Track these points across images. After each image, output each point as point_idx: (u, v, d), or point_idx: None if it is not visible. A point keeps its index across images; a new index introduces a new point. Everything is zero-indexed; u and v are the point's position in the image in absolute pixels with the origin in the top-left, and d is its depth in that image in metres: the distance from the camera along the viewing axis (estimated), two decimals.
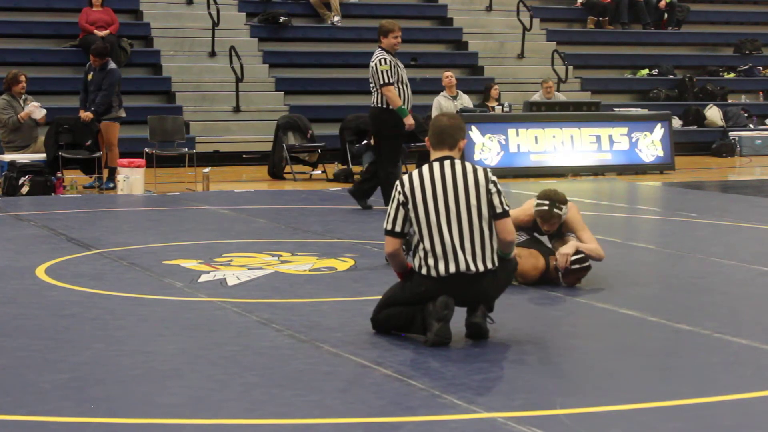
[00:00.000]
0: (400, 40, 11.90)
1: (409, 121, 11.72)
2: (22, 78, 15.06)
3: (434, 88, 19.67)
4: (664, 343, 6.54)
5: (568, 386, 5.60)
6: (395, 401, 5.25)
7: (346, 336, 6.43)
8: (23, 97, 15.01)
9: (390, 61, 11.68)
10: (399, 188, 6.39)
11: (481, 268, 6.29)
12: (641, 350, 6.34)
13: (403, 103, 11.74)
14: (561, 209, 7.90)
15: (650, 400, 5.27)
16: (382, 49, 11.80)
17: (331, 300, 7.53)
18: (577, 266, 7.82)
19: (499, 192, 6.36)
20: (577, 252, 7.85)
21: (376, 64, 11.73)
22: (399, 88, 11.72)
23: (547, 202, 7.89)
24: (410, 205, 6.34)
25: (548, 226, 7.97)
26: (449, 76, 17.71)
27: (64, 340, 6.38)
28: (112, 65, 15.07)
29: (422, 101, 19.95)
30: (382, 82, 11.67)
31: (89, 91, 14.87)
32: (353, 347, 6.17)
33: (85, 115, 14.75)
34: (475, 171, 6.37)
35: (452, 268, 6.27)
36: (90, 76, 14.91)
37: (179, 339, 6.45)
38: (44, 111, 14.95)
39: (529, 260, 7.80)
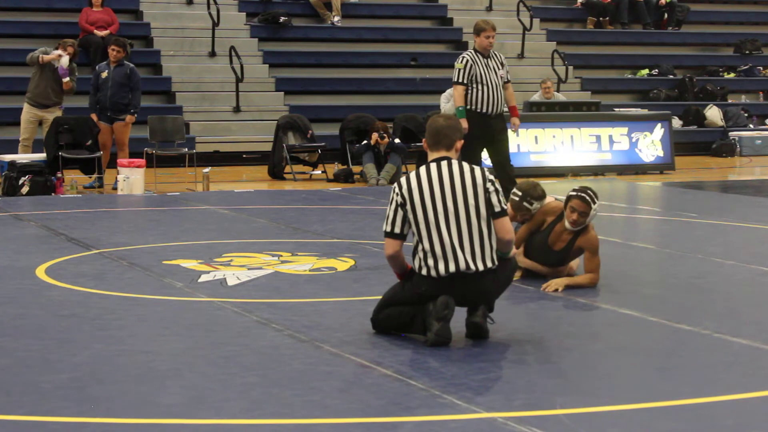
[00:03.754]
0: (492, 39, 11.75)
1: (463, 124, 11.63)
2: (70, 50, 14.98)
3: (434, 88, 19.69)
4: (664, 343, 6.54)
5: (568, 386, 5.60)
6: (395, 401, 5.25)
7: (346, 336, 6.43)
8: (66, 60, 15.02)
9: (467, 61, 11.63)
10: (397, 190, 6.39)
11: (481, 267, 6.30)
12: (641, 350, 6.35)
13: (483, 104, 11.63)
14: (531, 204, 8.10)
15: (650, 400, 5.28)
16: (474, 48, 11.78)
17: (331, 300, 7.53)
18: (575, 195, 7.92)
19: (497, 191, 6.38)
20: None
21: (455, 62, 11.76)
22: (476, 89, 11.60)
23: (520, 194, 8.12)
24: (408, 207, 6.34)
25: (519, 216, 8.17)
26: None
27: (64, 340, 6.38)
28: (128, 63, 15.12)
29: (422, 101, 20.01)
30: (452, 80, 11.69)
31: (107, 88, 14.82)
32: (353, 347, 6.17)
33: (130, 118, 14.80)
34: (472, 170, 6.38)
35: (452, 268, 6.28)
36: (105, 74, 14.90)
37: (179, 339, 6.45)
38: (66, 61, 14.83)
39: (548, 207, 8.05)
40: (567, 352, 6.27)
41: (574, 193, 7.94)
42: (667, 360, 6.14)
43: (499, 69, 11.77)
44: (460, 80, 11.63)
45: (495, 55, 11.83)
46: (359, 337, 6.42)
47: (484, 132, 11.66)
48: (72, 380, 5.55)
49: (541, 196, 8.14)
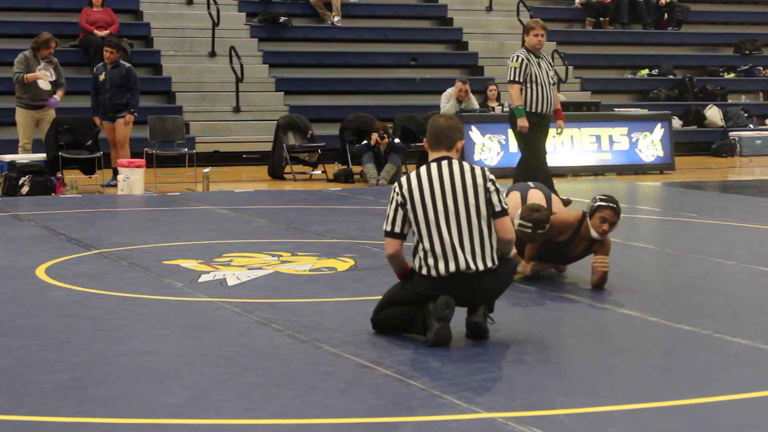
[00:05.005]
0: (541, 38, 11.60)
1: (522, 123, 11.56)
2: (53, 45, 15.02)
3: (434, 88, 19.70)
4: (664, 343, 6.55)
5: (568, 386, 5.60)
6: (395, 401, 5.25)
7: (346, 336, 6.43)
8: (48, 59, 14.96)
9: (522, 60, 11.54)
10: (397, 189, 6.38)
11: (481, 267, 6.30)
12: (641, 350, 6.35)
13: (538, 104, 11.57)
14: (544, 229, 7.89)
15: (650, 400, 5.28)
16: (524, 47, 11.71)
17: (331, 300, 7.53)
18: (603, 203, 7.80)
19: (497, 191, 6.37)
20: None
21: (508, 61, 11.69)
22: (531, 88, 11.53)
23: (530, 225, 7.85)
24: (408, 206, 6.34)
25: (532, 243, 8.01)
26: (464, 89, 17.65)
27: (64, 340, 6.38)
28: (125, 63, 15.13)
29: (422, 101, 20.01)
30: (508, 79, 11.59)
31: (105, 90, 14.83)
32: (353, 347, 6.17)
33: (130, 117, 14.81)
34: (472, 170, 6.38)
35: (452, 268, 6.27)
36: (102, 76, 14.90)
37: (179, 339, 6.45)
38: (49, 84, 14.84)
39: (559, 216, 7.94)
40: (567, 352, 6.27)
41: (605, 204, 7.79)
42: (667, 360, 6.14)
43: (549, 70, 11.72)
44: (517, 79, 11.51)
45: (544, 56, 11.77)
46: (359, 337, 6.42)
47: (542, 131, 11.67)
48: (72, 380, 5.55)
49: (548, 216, 7.94)
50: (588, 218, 7.88)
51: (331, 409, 5.13)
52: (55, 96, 14.81)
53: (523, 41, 11.84)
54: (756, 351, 6.25)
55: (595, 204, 7.86)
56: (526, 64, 11.50)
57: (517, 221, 7.86)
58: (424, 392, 5.35)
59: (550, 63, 11.82)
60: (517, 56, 11.59)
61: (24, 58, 14.93)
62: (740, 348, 6.31)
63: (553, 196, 8.60)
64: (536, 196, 8.35)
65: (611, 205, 7.81)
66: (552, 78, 11.76)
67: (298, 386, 5.45)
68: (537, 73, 11.55)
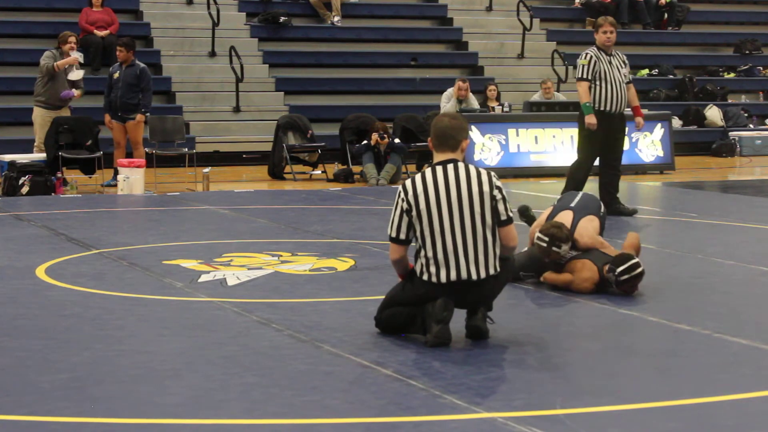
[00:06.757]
0: (610, 35, 11.55)
1: (590, 120, 11.51)
2: (71, 39, 15.07)
3: (434, 88, 19.71)
4: (664, 343, 6.54)
5: (568, 386, 5.59)
6: (395, 401, 5.25)
7: (347, 336, 6.43)
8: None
9: (591, 57, 11.50)
10: (402, 195, 6.31)
11: (483, 275, 6.26)
12: (641, 350, 6.35)
13: (606, 102, 11.51)
14: (560, 247, 7.75)
15: (650, 400, 5.27)
16: (595, 45, 11.67)
17: (331, 300, 7.53)
18: (626, 276, 7.58)
19: (504, 199, 6.30)
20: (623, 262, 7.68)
21: (578, 59, 11.67)
22: (600, 86, 11.49)
23: (546, 239, 7.75)
24: (414, 212, 6.28)
25: (547, 258, 7.87)
26: (464, 88, 17.67)
27: (64, 340, 6.38)
28: (139, 63, 15.17)
29: (422, 101, 20.01)
30: (576, 76, 11.54)
31: (117, 88, 14.90)
32: (353, 347, 6.17)
33: (140, 117, 14.89)
34: (479, 176, 6.30)
35: (453, 276, 6.24)
36: (116, 75, 14.96)
37: (179, 339, 6.45)
38: (81, 73, 14.93)
39: (582, 273, 7.74)
40: (567, 352, 6.27)
41: (630, 276, 7.54)
42: (667, 360, 6.14)
43: (622, 67, 11.68)
44: (584, 76, 11.47)
45: (618, 53, 11.72)
46: (359, 337, 6.41)
47: (605, 131, 11.66)
48: (72, 380, 5.55)
49: (568, 237, 7.80)
50: (614, 286, 7.68)
51: (331, 409, 5.13)
52: (73, 90, 14.84)
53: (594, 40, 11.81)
54: (756, 351, 6.25)
55: (620, 278, 7.57)
56: (595, 62, 11.47)
57: (537, 234, 7.82)
58: (424, 392, 5.35)
59: (623, 61, 11.77)
60: (587, 54, 11.55)
61: (51, 53, 15.00)
62: (740, 348, 6.30)
63: (585, 221, 8.06)
64: (563, 218, 8.09)
65: (635, 273, 7.56)
66: (626, 76, 11.72)
67: (298, 386, 5.45)
68: (607, 71, 11.51)
